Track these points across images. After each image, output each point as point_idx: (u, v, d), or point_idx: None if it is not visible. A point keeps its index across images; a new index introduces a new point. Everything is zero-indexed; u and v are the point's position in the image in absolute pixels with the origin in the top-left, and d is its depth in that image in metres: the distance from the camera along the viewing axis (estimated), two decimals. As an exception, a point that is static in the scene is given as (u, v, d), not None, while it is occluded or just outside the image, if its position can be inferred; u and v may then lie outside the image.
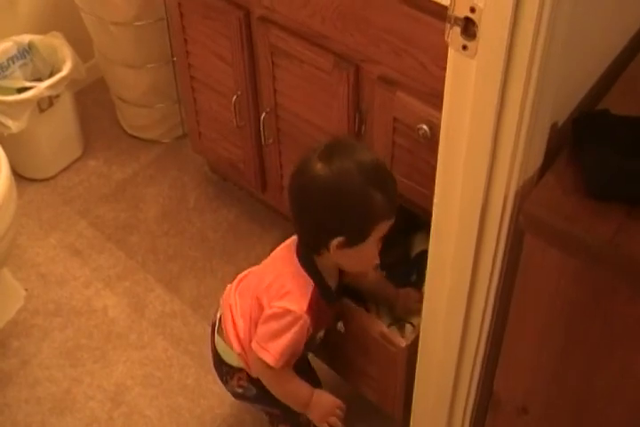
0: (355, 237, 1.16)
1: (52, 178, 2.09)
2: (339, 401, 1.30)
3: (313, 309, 1.20)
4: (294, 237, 1.26)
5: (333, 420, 1.29)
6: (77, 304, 1.82)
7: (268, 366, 1.22)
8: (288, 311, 1.19)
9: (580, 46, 0.89)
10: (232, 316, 1.30)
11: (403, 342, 1.27)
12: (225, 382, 1.38)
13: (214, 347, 1.38)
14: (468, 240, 0.96)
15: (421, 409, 1.30)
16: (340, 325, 1.32)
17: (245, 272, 1.36)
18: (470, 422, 1.23)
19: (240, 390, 1.36)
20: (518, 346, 1.03)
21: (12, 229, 1.62)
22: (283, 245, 1.29)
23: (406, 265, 1.32)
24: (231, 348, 1.31)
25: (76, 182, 2.09)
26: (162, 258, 1.91)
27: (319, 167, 1.14)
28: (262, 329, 1.22)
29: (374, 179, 1.13)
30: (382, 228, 1.16)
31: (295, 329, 1.20)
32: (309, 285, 1.21)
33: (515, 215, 0.92)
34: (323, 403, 1.29)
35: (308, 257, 1.22)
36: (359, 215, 1.14)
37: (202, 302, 1.81)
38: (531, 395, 1.08)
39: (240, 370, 1.33)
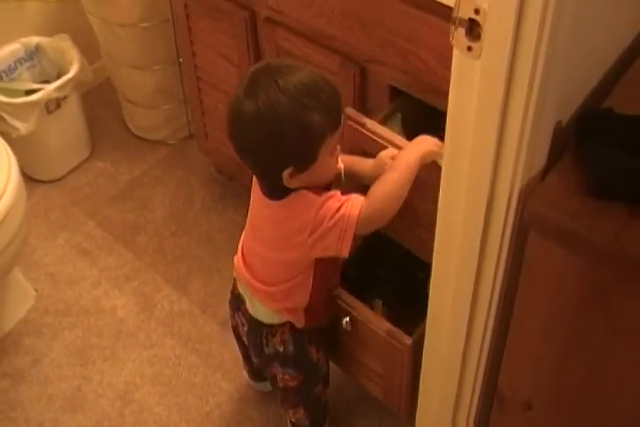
0: (303, 163, 1.13)
1: (60, 179, 2.12)
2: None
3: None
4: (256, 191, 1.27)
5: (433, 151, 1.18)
6: (87, 304, 1.84)
7: (366, 214, 1.16)
8: (320, 199, 1.16)
9: (584, 46, 0.90)
10: (257, 275, 1.30)
11: (409, 340, 1.29)
12: (265, 346, 1.37)
13: (247, 318, 1.37)
14: (474, 237, 0.97)
15: (427, 406, 1.31)
16: (347, 322, 1.33)
17: (242, 241, 1.35)
18: (475, 418, 1.25)
19: (281, 348, 1.35)
20: (522, 342, 1.04)
21: (23, 229, 1.64)
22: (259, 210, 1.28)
23: (413, 263, 1.34)
24: (268, 305, 1.31)
25: (84, 183, 2.11)
26: (169, 258, 1.92)
27: (247, 105, 1.09)
28: (325, 226, 1.16)
29: (305, 99, 1.08)
30: (330, 142, 1.13)
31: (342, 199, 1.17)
32: (308, 193, 1.17)
33: (519, 213, 0.93)
34: (415, 148, 1.18)
35: (284, 190, 1.18)
36: (299, 143, 1.11)
37: (209, 302, 1.83)
38: (535, 391, 1.09)
39: (282, 325, 1.33)
